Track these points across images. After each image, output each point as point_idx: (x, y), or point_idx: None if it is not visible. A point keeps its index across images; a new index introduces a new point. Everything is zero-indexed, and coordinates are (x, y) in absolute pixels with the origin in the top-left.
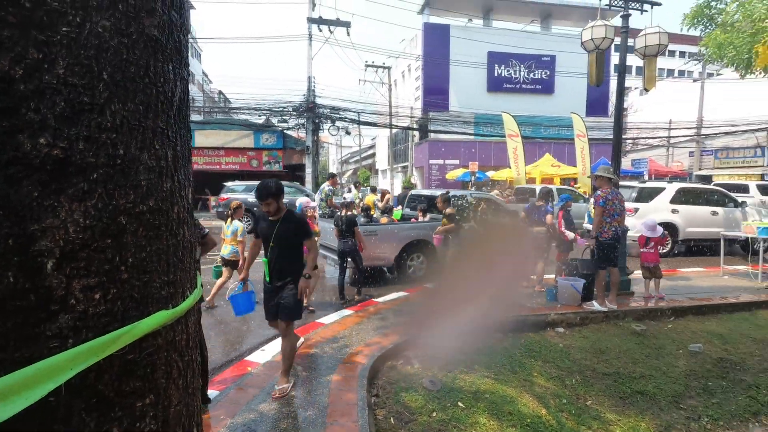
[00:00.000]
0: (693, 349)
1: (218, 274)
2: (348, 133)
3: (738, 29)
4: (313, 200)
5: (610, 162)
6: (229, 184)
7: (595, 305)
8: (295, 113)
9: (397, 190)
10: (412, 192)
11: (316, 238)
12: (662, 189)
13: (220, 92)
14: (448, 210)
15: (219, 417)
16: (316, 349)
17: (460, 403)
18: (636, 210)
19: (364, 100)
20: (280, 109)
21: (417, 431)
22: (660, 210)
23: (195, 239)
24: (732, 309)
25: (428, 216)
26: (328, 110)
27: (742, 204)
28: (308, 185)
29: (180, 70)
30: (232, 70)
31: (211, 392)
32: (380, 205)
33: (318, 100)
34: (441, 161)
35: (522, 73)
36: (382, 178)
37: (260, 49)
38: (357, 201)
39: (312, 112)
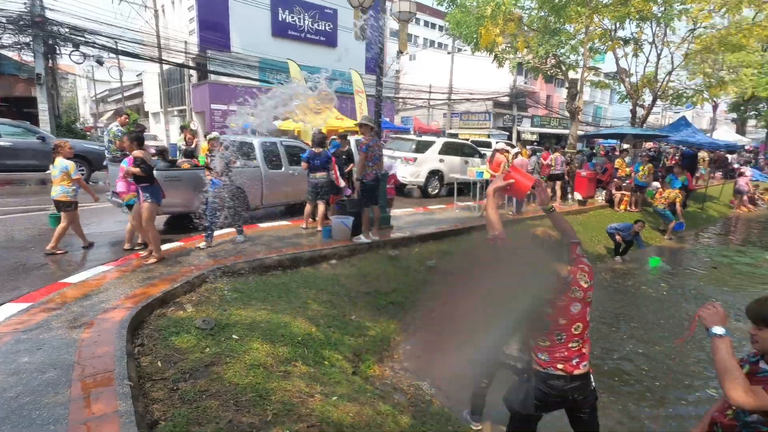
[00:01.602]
0: (429, 264)
1: (56, 221)
2: (100, 63)
3: (469, 11)
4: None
5: (383, 117)
6: None
7: (362, 238)
8: (12, 27)
9: (174, 138)
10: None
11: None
12: (433, 142)
13: None
14: (137, 153)
15: None
16: (60, 311)
17: (234, 336)
18: (415, 159)
19: (122, 25)
20: None
21: (187, 368)
22: (431, 159)
23: None
24: (457, 233)
25: (239, 162)
26: (68, 29)
27: (483, 155)
28: (44, 126)
29: None
30: None
31: None
32: (183, 147)
33: (51, 15)
34: (224, 106)
35: (306, 21)
36: (155, 123)
37: None
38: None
39: (40, 28)
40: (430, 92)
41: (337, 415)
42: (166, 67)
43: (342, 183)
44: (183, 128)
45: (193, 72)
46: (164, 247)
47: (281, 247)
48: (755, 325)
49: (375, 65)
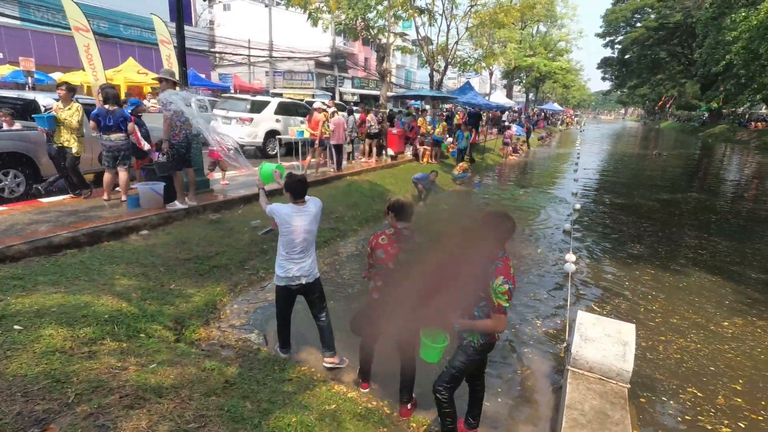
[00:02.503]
0: (253, 225)
1: None
2: None
3: None
4: None
5: (197, 72)
6: None
7: (177, 204)
8: None
9: None
10: None
11: None
12: (268, 102)
13: None
14: None
15: None
16: None
17: (16, 327)
18: (252, 119)
19: None
20: None
21: None
22: (268, 119)
23: None
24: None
25: (18, 123)
26: None
27: None
28: None
29: None
30: None
31: None
32: None
33: None
34: None
35: None
36: None
37: None
38: None
39: None
40: (249, 48)
41: (155, 380)
42: None
43: (146, 146)
44: None
45: None
46: None
47: (75, 222)
48: None
49: (185, 14)
